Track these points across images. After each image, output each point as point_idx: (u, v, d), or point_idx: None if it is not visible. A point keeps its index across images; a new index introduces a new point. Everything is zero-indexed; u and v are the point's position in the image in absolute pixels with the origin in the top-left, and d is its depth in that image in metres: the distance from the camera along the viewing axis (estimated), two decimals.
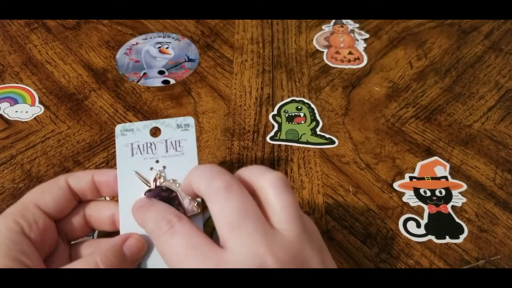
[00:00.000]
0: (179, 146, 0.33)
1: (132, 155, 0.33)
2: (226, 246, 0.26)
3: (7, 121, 0.49)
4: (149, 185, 0.32)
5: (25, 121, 0.49)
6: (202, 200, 0.32)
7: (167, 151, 0.33)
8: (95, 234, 0.40)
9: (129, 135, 0.33)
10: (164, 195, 0.32)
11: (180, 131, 0.34)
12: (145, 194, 0.32)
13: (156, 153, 0.33)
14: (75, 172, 0.33)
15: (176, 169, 0.33)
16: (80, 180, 0.33)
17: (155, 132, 0.34)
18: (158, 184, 0.32)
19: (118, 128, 0.34)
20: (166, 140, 0.34)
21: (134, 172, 0.33)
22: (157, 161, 0.33)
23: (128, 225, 0.32)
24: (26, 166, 0.45)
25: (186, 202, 0.32)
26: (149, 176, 0.33)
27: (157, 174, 0.33)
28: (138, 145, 0.33)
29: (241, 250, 0.25)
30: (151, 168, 0.33)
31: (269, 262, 0.25)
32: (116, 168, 0.33)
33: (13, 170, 0.44)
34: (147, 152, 0.33)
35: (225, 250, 0.25)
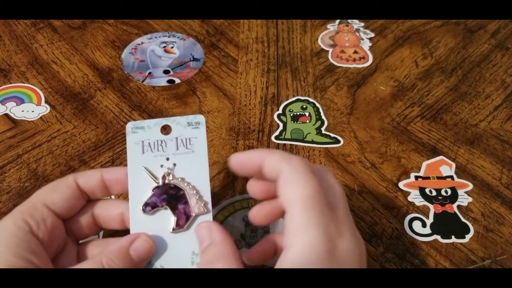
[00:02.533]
0: (190, 144, 0.33)
1: (143, 152, 0.33)
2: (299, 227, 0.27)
3: (13, 120, 0.49)
4: (157, 181, 0.33)
5: (31, 121, 0.49)
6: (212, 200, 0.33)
7: (177, 149, 0.33)
8: (101, 233, 0.40)
9: (140, 133, 0.33)
10: (171, 192, 0.32)
11: (190, 129, 0.34)
12: (152, 190, 0.32)
13: (166, 151, 0.33)
14: (84, 171, 0.33)
15: (186, 167, 0.33)
16: (89, 179, 0.33)
17: (166, 129, 0.34)
18: (166, 181, 0.33)
19: (129, 125, 0.34)
20: (176, 138, 0.34)
21: (143, 168, 0.33)
22: (168, 159, 0.33)
23: (138, 223, 0.32)
24: (32, 165, 0.45)
25: (193, 201, 0.32)
26: (159, 173, 0.33)
27: (166, 172, 0.33)
28: (149, 143, 0.33)
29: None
30: (162, 166, 0.33)
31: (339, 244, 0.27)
32: (125, 166, 0.33)
33: (19, 169, 0.45)
34: (158, 150, 0.33)
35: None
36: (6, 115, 0.50)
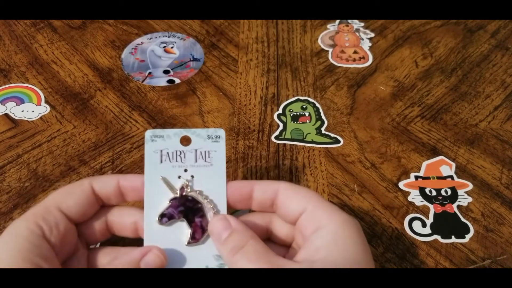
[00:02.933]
0: (209, 157, 0.33)
1: (161, 162, 0.33)
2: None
3: (13, 120, 0.49)
4: (175, 192, 0.32)
5: (31, 121, 0.49)
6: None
7: (196, 161, 0.33)
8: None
9: (159, 142, 0.33)
10: (189, 205, 0.32)
11: (210, 142, 0.33)
12: (169, 201, 0.32)
13: (185, 162, 0.33)
14: (100, 176, 0.33)
15: (204, 180, 0.33)
16: (105, 184, 0.32)
17: (185, 140, 0.33)
18: (184, 193, 0.32)
19: (148, 133, 0.33)
20: (196, 150, 0.33)
21: (161, 177, 0.32)
22: (186, 170, 0.33)
23: (153, 233, 0.32)
24: (32, 165, 0.45)
25: (210, 215, 0.32)
26: (176, 184, 0.32)
27: (185, 183, 0.32)
28: (168, 152, 0.33)
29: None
30: (179, 177, 0.32)
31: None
32: (142, 174, 0.32)
33: (19, 169, 0.45)
34: (176, 160, 0.33)
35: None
36: (6, 115, 0.50)
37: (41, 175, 0.44)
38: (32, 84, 0.53)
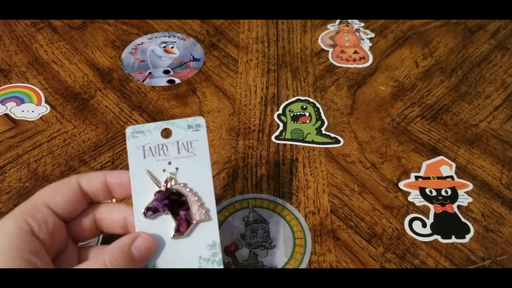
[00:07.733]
0: (191, 147, 0.33)
1: (144, 157, 0.33)
2: None
3: (13, 120, 0.49)
4: (159, 186, 0.32)
5: (31, 121, 0.49)
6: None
7: (179, 152, 0.33)
8: (100, 238, 0.40)
9: (140, 137, 0.33)
10: (173, 198, 0.32)
11: (191, 131, 0.33)
12: (154, 195, 0.32)
13: (168, 155, 0.33)
14: (87, 173, 0.33)
15: (188, 170, 0.33)
16: (92, 181, 0.32)
17: (166, 132, 0.33)
18: (169, 186, 0.32)
19: (129, 130, 0.33)
20: (177, 141, 0.33)
21: (146, 171, 0.32)
22: (170, 163, 0.33)
23: (143, 227, 0.32)
24: (32, 165, 0.45)
25: (194, 208, 0.32)
26: (161, 178, 0.32)
27: (169, 176, 0.32)
28: (150, 147, 0.33)
29: None
30: (164, 170, 0.33)
31: None
32: (128, 169, 0.33)
33: (19, 169, 0.45)
34: (159, 154, 0.33)
35: None
36: (6, 115, 0.50)
37: (41, 175, 0.44)
38: (32, 84, 0.53)
